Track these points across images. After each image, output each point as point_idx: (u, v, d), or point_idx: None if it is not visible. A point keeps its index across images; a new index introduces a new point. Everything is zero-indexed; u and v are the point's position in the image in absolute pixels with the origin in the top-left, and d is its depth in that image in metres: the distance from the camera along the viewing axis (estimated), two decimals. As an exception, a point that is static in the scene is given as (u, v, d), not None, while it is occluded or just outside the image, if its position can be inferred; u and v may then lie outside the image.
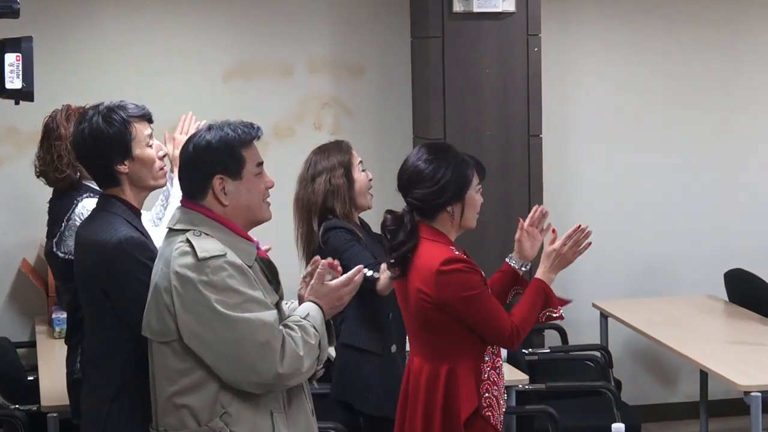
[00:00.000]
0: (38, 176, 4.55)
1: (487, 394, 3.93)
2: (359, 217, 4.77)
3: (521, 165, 6.45)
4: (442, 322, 3.90)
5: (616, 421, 4.58)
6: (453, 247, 3.95)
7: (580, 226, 4.08)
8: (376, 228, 4.46)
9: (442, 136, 6.32)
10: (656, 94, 7.11)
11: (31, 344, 6.08)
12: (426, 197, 3.93)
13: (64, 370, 4.39)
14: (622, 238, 7.05)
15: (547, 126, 6.57)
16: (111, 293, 3.51)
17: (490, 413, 3.93)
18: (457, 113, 6.38)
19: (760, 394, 4.96)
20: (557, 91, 6.87)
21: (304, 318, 3.35)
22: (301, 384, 3.40)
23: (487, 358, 3.94)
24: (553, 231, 4.15)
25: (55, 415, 4.85)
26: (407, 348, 4.27)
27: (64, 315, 4.79)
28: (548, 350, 6.33)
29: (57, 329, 5.88)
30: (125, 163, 3.63)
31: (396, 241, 3.97)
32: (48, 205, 4.55)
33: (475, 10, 6.31)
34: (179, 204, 3.41)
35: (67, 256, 4.28)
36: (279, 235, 4.18)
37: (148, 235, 3.63)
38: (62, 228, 4.36)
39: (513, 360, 5.37)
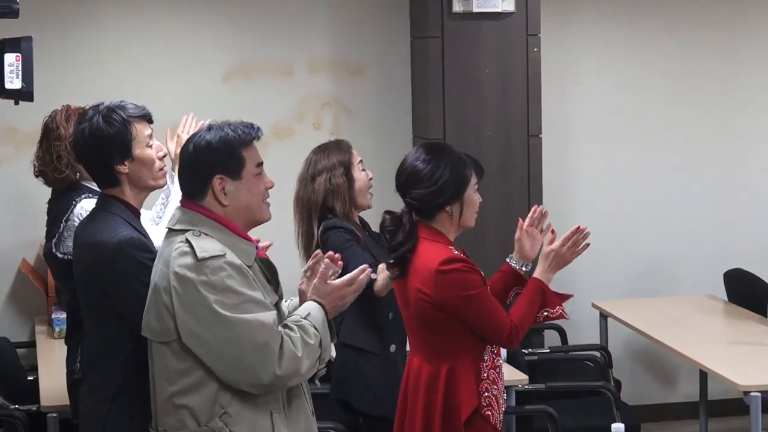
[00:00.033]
0: (37, 176, 4.55)
1: (486, 394, 3.92)
2: (359, 217, 4.77)
3: (521, 165, 6.45)
4: (442, 321, 3.90)
5: (615, 421, 4.58)
6: (452, 247, 3.94)
7: (579, 227, 4.07)
8: (375, 227, 4.46)
9: (442, 136, 6.31)
10: (656, 94, 7.11)
11: (31, 344, 6.07)
12: (424, 197, 3.92)
13: (64, 370, 4.39)
14: (622, 238, 7.05)
15: (547, 126, 6.56)
16: (111, 293, 3.51)
17: (489, 412, 3.93)
18: (456, 113, 6.37)
19: (759, 394, 4.96)
20: (557, 91, 6.86)
21: (305, 318, 3.34)
22: (300, 384, 3.39)
23: (486, 358, 3.94)
24: (552, 231, 4.15)
25: (54, 415, 4.84)
26: (407, 347, 4.27)
27: (64, 315, 4.79)
28: (548, 350, 6.33)
29: (57, 329, 5.88)
30: (125, 163, 3.63)
31: (395, 242, 3.96)
32: (47, 205, 4.55)
33: (475, 10, 6.31)
34: (179, 204, 3.42)
35: (66, 257, 4.28)
36: (279, 235, 4.17)
37: (148, 235, 3.62)
38: (61, 228, 4.35)
39: (512, 360, 5.37)
